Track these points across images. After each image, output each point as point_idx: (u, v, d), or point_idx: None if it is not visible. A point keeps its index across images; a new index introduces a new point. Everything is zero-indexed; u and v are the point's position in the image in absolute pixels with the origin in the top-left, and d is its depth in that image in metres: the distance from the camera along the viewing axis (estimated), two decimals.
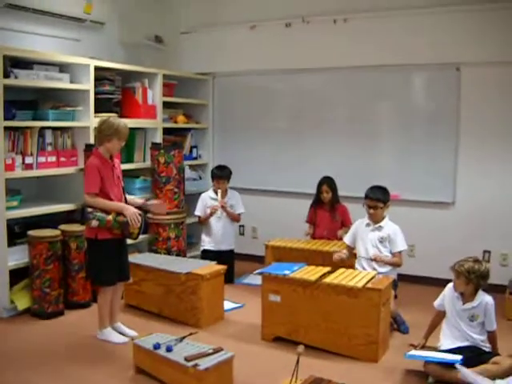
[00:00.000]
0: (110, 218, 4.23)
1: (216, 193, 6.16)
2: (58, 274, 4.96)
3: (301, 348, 3.24)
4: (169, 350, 3.64)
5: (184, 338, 3.85)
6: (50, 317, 4.89)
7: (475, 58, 5.61)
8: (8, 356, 4.16)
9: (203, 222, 6.21)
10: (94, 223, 4.21)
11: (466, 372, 3.56)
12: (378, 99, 6.26)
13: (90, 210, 4.25)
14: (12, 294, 4.92)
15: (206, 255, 5.97)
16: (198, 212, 6.21)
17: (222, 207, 6.09)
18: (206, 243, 6.21)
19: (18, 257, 4.99)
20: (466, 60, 5.67)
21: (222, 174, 6.17)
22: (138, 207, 4.50)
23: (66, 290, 5.12)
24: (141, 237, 5.77)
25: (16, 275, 4.98)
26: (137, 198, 4.88)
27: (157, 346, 3.69)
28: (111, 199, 4.31)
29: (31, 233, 4.92)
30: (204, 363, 3.43)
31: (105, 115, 5.09)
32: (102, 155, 4.33)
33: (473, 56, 5.61)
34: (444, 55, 5.73)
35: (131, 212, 4.27)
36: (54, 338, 4.49)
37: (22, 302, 4.96)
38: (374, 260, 4.86)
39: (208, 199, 6.19)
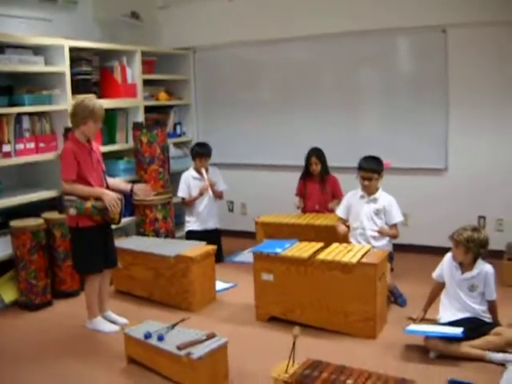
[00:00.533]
0: (88, 205, 4.06)
1: (198, 172, 5.96)
2: (44, 264, 4.81)
3: (296, 330, 3.11)
4: (160, 338, 3.52)
5: (175, 324, 3.72)
6: (38, 308, 4.77)
7: (462, 19, 5.41)
8: None
9: (189, 204, 6.00)
10: (72, 211, 4.05)
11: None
12: (364, 66, 6.07)
13: (66, 197, 4.08)
14: None
15: (192, 236, 5.79)
16: (181, 193, 5.98)
17: (210, 186, 5.90)
18: (191, 223, 6.03)
19: (2, 248, 4.83)
20: (453, 21, 5.48)
21: (204, 152, 5.96)
22: (120, 191, 4.35)
23: (53, 279, 4.98)
24: (128, 219, 5.75)
25: (1, 267, 4.85)
26: (123, 183, 4.72)
27: (148, 336, 3.56)
28: (91, 184, 4.14)
29: (13, 223, 4.76)
30: (197, 351, 3.31)
31: (83, 96, 4.91)
32: (78, 139, 4.15)
33: (459, 17, 5.41)
34: (429, 17, 5.53)
35: (110, 197, 4.09)
36: (43, 330, 4.37)
37: (9, 295, 4.82)
38: (380, 233, 4.73)
39: (191, 179, 5.98)
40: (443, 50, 5.59)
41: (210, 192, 5.89)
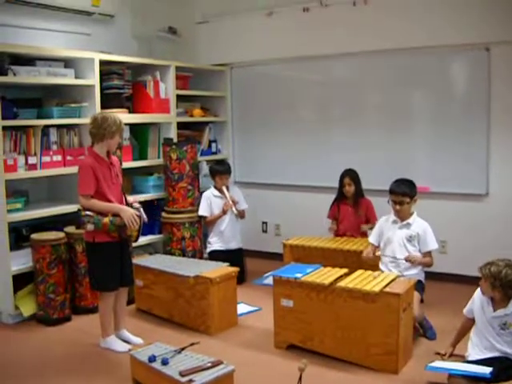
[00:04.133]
0: (106, 220, 3.95)
1: (219, 190, 5.85)
2: (63, 279, 4.73)
3: (303, 363, 2.90)
4: (164, 363, 3.35)
5: (183, 348, 3.55)
6: (55, 323, 4.68)
7: (506, 37, 5.13)
8: (4, 365, 3.95)
9: (211, 223, 5.87)
10: (90, 227, 3.95)
11: None
12: (405, 85, 5.80)
13: (83, 213, 3.98)
14: (17, 300, 4.72)
15: (215, 256, 5.63)
16: (202, 212, 5.78)
17: (233, 203, 5.78)
18: (214, 244, 5.90)
19: (24, 261, 4.79)
20: (496, 39, 5.20)
21: (224, 170, 5.90)
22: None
23: (73, 294, 4.91)
24: (155, 237, 5.65)
25: (23, 280, 4.78)
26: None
27: (152, 359, 3.40)
28: (110, 200, 4.03)
29: (34, 236, 4.71)
30: (200, 379, 3.13)
31: (114, 111, 4.86)
32: (98, 153, 4.05)
33: (503, 34, 5.13)
34: (472, 35, 5.26)
35: (128, 214, 3.98)
36: (56, 346, 4.27)
37: (27, 308, 4.74)
38: (408, 261, 4.42)
39: (212, 197, 5.86)
40: (486, 69, 5.30)
41: (234, 210, 5.76)
